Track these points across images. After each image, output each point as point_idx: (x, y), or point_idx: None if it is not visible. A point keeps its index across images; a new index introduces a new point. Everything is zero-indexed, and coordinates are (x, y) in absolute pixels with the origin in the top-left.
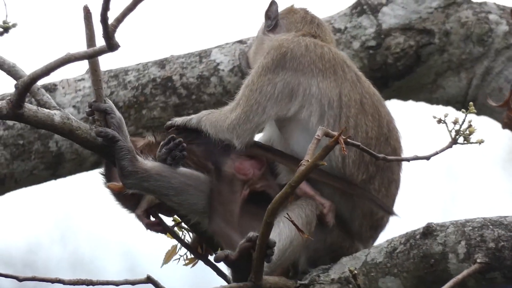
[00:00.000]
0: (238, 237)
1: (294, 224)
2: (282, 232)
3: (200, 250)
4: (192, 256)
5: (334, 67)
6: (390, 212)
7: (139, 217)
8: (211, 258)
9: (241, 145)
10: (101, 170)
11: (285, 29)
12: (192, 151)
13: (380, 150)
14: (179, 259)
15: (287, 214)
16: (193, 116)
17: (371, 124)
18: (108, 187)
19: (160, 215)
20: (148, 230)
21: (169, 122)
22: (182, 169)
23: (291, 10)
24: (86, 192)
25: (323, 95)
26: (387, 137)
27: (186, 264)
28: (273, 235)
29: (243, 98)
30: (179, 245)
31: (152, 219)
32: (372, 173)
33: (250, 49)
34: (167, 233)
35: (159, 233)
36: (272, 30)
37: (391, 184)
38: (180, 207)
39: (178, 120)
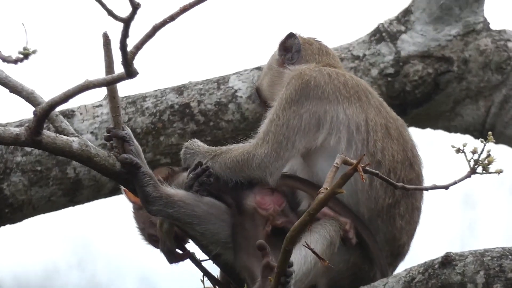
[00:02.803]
0: None
1: (314, 253)
2: (307, 255)
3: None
4: None
5: (358, 93)
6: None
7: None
8: None
9: (274, 182)
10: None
11: (304, 61)
12: (215, 184)
13: (406, 174)
14: None
15: (306, 242)
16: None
17: (397, 148)
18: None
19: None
20: (173, 264)
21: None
22: (206, 198)
23: (305, 41)
24: (103, 218)
25: (350, 120)
26: (411, 162)
27: None
28: (299, 258)
29: (269, 134)
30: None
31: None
32: (398, 197)
33: (262, 82)
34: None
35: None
36: (292, 62)
37: (414, 211)
38: (202, 237)
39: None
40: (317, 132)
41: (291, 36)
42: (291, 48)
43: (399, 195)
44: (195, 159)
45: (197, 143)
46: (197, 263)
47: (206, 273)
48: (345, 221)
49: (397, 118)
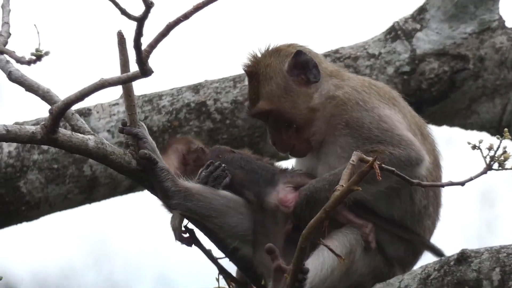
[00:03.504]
0: None
1: (330, 249)
2: (325, 262)
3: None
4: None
5: (390, 100)
6: (440, 253)
7: (174, 229)
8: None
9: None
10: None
11: (323, 73)
12: (237, 178)
13: (437, 175)
14: None
15: (321, 239)
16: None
17: (430, 147)
18: None
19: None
20: (178, 242)
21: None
22: (223, 192)
23: (309, 52)
24: (120, 216)
25: (402, 122)
26: (438, 161)
27: None
28: (316, 264)
29: (385, 140)
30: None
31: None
32: (431, 198)
33: (283, 105)
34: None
35: (189, 247)
36: (316, 80)
37: (439, 209)
38: (220, 230)
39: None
40: (408, 128)
41: (299, 54)
42: (306, 66)
43: (431, 195)
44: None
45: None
46: (213, 259)
47: (221, 269)
48: (365, 224)
49: (420, 118)
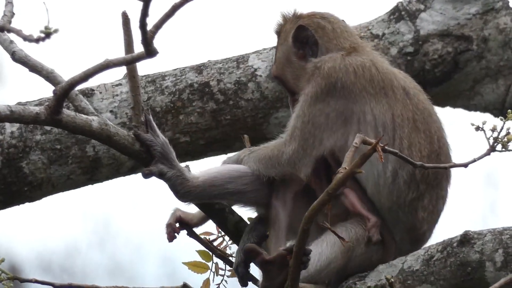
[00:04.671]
0: (284, 242)
1: (333, 232)
2: (323, 253)
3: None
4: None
5: (384, 89)
6: None
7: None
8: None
9: (305, 176)
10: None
11: (324, 49)
12: None
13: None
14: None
15: (324, 222)
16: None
17: (424, 141)
18: None
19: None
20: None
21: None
22: (241, 169)
23: (318, 27)
24: (123, 196)
25: (377, 121)
26: (438, 154)
27: (230, 276)
28: (314, 254)
29: (296, 131)
30: (212, 275)
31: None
32: (422, 191)
33: (284, 73)
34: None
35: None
36: (313, 56)
37: (439, 201)
38: (240, 205)
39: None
40: (344, 132)
41: (300, 28)
42: (306, 41)
43: (423, 188)
44: (233, 156)
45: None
46: (211, 249)
47: (220, 256)
48: (369, 217)
49: (424, 108)
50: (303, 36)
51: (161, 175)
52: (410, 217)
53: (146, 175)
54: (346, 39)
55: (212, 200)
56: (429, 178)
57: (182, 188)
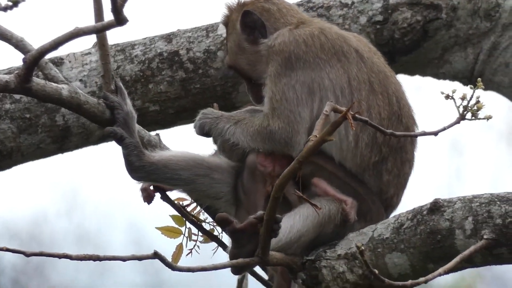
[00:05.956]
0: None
1: (305, 199)
2: (294, 225)
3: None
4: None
5: (336, 54)
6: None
7: (142, 190)
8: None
9: (297, 154)
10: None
11: (273, 29)
12: None
13: (393, 129)
14: (191, 252)
15: (296, 190)
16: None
17: (382, 103)
18: None
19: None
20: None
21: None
22: (197, 159)
23: (263, 10)
24: (92, 166)
25: (335, 85)
26: (399, 115)
27: (203, 242)
28: (285, 226)
29: (275, 111)
30: (185, 240)
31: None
32: (385, 154)
33: (238, 61)
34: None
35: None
36: (263, 37)
37: (404, 164)
38: (190, 194)
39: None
40: (313, 101)
41: (246, 14)
42: (254, 25)
43: (385, 151)
44: (218, 123)
45: (215, 110)
46: (184, 214)
47: (193, 222)
48: (345, 199)
49: (379, 71)
50: (250, 21)
51: (121, 139)
52: (376, 181)
53: (109, 133)
54: (293, 16)
55: (163, 184)
56: (391, 141)
57: (137, 160)
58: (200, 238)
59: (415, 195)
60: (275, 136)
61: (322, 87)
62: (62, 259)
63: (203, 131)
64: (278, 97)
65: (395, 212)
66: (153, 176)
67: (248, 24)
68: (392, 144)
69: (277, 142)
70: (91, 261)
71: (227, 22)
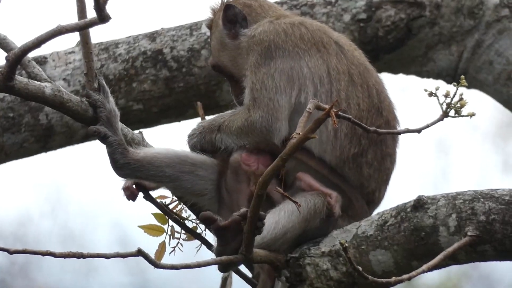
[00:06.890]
0: None
1: (287, 196)
2: (279, 221)
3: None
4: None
5: (315, 45)
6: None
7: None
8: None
9: (279, 142)
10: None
11: (254, 23)
12: None
13: (372, 122)
14: (174, 250)
15: (277, 188)
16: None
17: (361, 95)
18: None
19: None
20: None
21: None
22: (181, 156)
23: (244, 5)
24: (76, 165)
25: (314, 74)
26: (379, 108)
27: (186, 240)
28: (271, 222)
29: (256, 101)
30: (168, 238)
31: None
32: (365, 146)
33: (221, 59)
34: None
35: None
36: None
37: (385, 158)
38: (175, 191)
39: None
40: (292, 89)
41: (229, 8)
42: (236, 19)
43: (365, 143)
44: (205, 137)
45: (198, 125)
46: (167, 213)
47: (175, 220)
48: (330, 193)
49: (359, 63)
50: (232, 14)
51: (104, 138)
52: (356, 174)
53: (93, 132)
54: (274, 12)
55: (148, 181)
56: (370, 133)
57: (121, 157)
58: (184, 236)
59: (400, 195)
60: (257, 126)
61: (301, 76)
62: (47, 259)
63: (196, 151)
64: (258, 86)
65: (379, 209)
66: (138, 173)
67: (229, 18)
68: (372, 137)
69: (259, 132)
70: (76, 262)
71: (211, 24)
